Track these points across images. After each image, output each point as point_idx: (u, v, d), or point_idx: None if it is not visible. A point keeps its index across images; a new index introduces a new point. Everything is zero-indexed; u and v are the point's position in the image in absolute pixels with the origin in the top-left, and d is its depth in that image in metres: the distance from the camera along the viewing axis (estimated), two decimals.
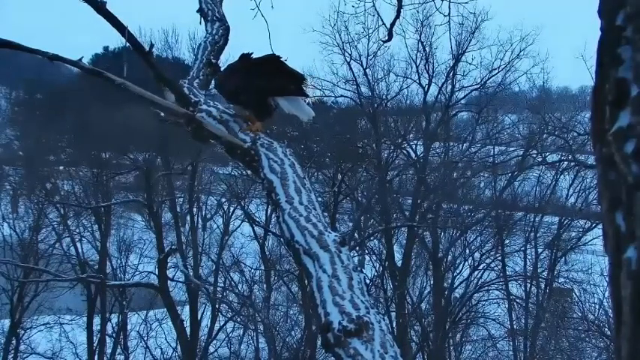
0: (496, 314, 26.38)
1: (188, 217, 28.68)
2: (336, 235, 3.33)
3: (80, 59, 3.76)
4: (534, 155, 29.44)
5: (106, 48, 43.68)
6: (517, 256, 27.84)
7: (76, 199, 28.31)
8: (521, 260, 27.65)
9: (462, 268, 26.54)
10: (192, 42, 28.06)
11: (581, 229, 27.42)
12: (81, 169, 30.68)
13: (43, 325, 25.30)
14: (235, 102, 4.29)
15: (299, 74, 4.24)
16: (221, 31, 5.22)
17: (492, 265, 26.83)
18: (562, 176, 28.91)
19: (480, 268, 26.25)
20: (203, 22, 5.39)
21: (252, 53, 4.27)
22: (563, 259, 27.54)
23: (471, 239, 26.83)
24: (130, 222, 30.60)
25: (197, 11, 5.50)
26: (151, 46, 4.01)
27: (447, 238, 26.51)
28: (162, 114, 3.98)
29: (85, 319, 25.71)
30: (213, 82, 4.67)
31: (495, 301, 26.81)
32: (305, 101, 4.39)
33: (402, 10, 8.51)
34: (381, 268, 26.19)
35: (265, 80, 4.16)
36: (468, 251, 26.60)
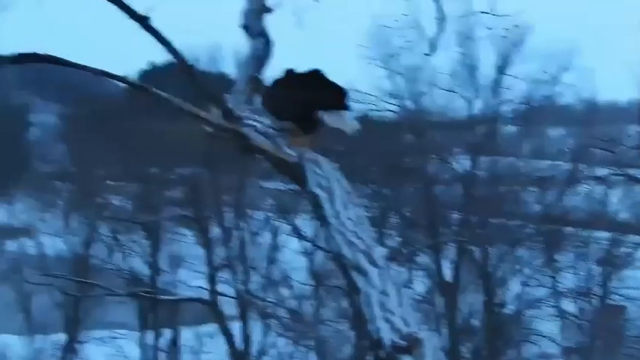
0: (549, 331, 25.92)
1: (236, 232, 28.80)
2: (384, 251, 3.28)
3: (127, 75, 3.77)
4: (583, 169, 28.96)
5: (151, 63, 44.25)
6: (568, 272, 27.36)
7: (126, 214, 28.67)
8: (573, 276, 27.16)
9: (513, 284, 26.18)
10: (236, 57, 28.32)
11: (633, 245, 26.85)
12: (130, 184, 31.05)
13: (97, 339, 25.63)
14: (280, 117, 4.27)
15: (342, 87, 4.21)
16: (264, 45, 5.23)
17: (543, 281, 26.41)
18: (612, 190, 28.38)
19: (531, 284, 25.86)
20: (247, 37, 5.40)
21: (296, 68, 4.25)
22: (615, 275, 26.98)
23: (521, 255, 26.47)
24: (179, 237, 30.83)
25: (240, 26, 5.51)
26: (196, 61, 4.00)
27: (496, 253, 26.19)
28: (209, 129, 3.98)
29: (137, 333, 25.96)
30: (258, 97, 4.67)
31: (547, 318, 26.37)
32: (349, 115, 4.35)
33: (445, 24, 8.44)
34: (431, 284, 25.99)
35: (309, 94, 4.13)
36: (518, 267, 26.23)
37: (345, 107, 4.21)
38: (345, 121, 4.26)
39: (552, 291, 26.21)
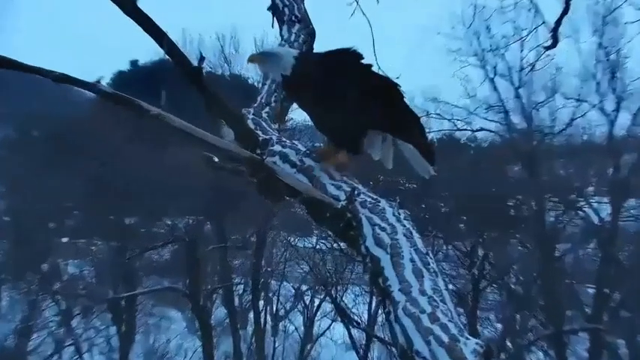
0: None
1: (251, 315, 28.80)
2: (477, 343, 3.32)
3: (98, 80, 3.82)
4: None
5: (134, 63, 43.98)
6: None
7: (85, 287, 28.83)
8: None
9: None
10: (260, 52, 28.56)
11: None
12: (94, 243, 31.20)
13: None
14: (318, 112, 4.33)
15: (417, 116, 4.52)
16: (302, 36, 5.29)
17: None
18: None
19: None
20: (276, 24, 5.49)
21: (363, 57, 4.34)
22: None
23: None
24: (164, 322, 30.84)
25: (268, 9, 5.60)
26: (201, 59, 4.09)
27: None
28: (216, 159, 4.03)
29: None
30: (289, 68, 4.64)
31: None
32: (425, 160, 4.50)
33: (571, 3, 8.45)
34: None
35: (387, 113, 4.28)
36: None
37: (430, 159, 4.43)
38: (422, 163, 4.39)
39: None
